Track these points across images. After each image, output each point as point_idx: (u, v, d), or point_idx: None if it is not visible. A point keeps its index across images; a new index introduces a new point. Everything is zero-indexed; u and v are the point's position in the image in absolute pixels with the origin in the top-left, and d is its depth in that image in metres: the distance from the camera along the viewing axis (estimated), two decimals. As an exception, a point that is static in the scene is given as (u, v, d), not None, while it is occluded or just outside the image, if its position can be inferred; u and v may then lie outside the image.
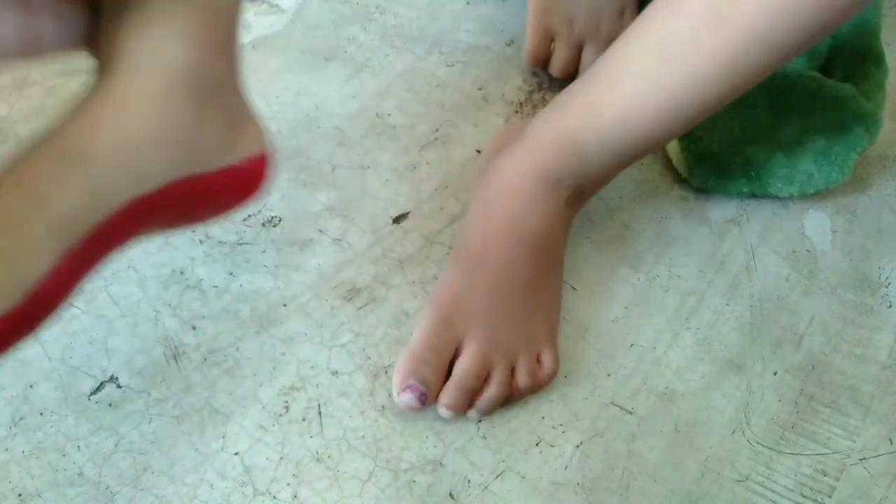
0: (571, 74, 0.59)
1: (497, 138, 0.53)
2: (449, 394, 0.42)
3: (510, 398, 0.44)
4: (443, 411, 0.43)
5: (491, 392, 0.43)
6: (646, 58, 0.44)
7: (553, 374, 0.45)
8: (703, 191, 0.55)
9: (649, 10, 0.44)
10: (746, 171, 0.53)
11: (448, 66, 0.61)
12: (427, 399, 0.42)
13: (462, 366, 0.43)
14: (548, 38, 0.59)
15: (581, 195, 0.48)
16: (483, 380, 0.43)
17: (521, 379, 0.44)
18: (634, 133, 0.45)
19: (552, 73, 0.59)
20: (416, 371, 0.42)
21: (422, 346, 0.43)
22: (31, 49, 0.30)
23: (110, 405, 0.43)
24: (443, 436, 0.43)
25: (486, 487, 0.42)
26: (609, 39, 0.57)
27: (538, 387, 0.45)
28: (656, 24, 0.44)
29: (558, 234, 0.47)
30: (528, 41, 0.59)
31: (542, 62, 0.59)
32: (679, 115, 0.44)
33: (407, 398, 0.42)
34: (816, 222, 0.54)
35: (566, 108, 0.46)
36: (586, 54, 0.58)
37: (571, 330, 0.48)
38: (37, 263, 0.28)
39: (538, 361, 0.45)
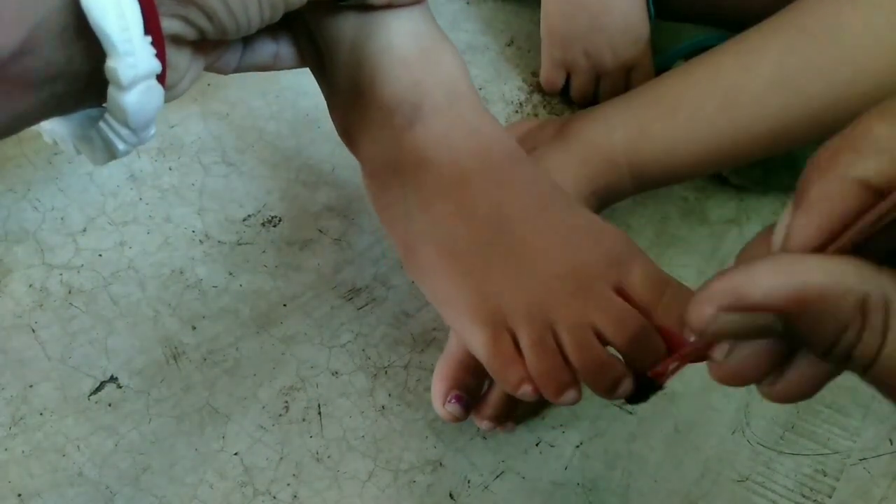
0: (590, 101, 0.59)
1: (519, 127, 0.53)
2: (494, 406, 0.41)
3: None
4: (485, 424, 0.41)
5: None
6: (706, 100, 0.45)
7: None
8: (703, 190, 0.55)
9: (719, 54, 0.46)
10: (790, 163, 0.53)
11: (448, 66, 0.61)
12: (471, 408, 0.41)
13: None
14: (563, 70, 0.59)
15: (604, 205, 0.48)
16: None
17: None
18: (674, 166, 0.46)
19: (572, 100, 0.60)
20: (461, 380, 0.40)
21: (461, 351, 0.40)
22: (276, 65, 0.38)
23: (110, 405, 0.43)
24: (443, 436, 0.43)
25: (486, 487, 0.42)
26: (625, 69, 0.57)
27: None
28: (725, 73, 0.45)
29: None
30: (544, 72, 0.59)
31: (560, 89, 0.60)
32: (721, 159, 0.47)
33: (453, 409, 0.40)
34: (816, 222, 0.54)
35: (613, 125, 0.47)
36: (604, 84, 0.59)
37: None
38: None
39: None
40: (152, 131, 0.30)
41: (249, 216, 0.51)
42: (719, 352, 0.23)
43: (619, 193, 0.48)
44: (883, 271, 0.19)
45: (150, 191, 0.52)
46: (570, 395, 0.33)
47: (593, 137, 0.47)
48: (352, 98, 0.38)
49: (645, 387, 0.32)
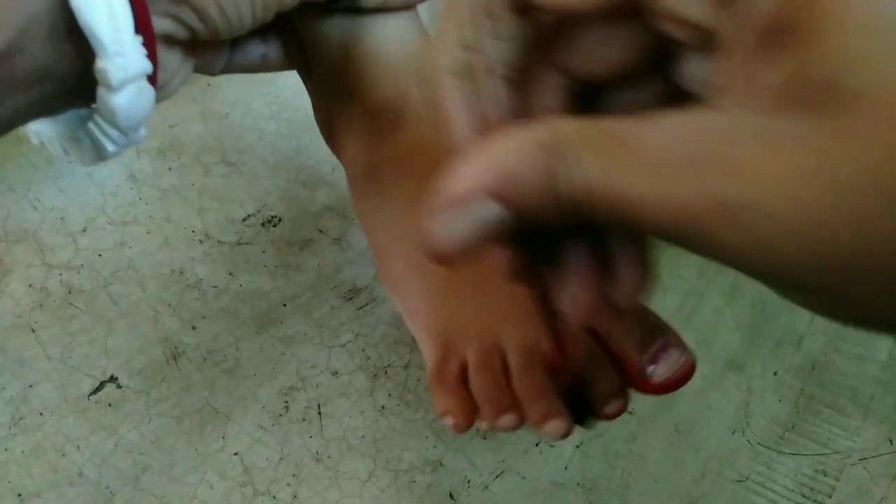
0: None
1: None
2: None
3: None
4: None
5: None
6: None
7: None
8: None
9: None
10: None
11: (448, 66, 0.61)
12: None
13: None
14: None
15: None
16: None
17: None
18: None
19: None
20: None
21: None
22: (264, 67, 0.38)
23: (110, 405, 0.43)
24: (443, 436, 0.43)
25: (486, 487, 0.42)
26: None
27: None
28: None
29: None
30: None
31: None
32: None
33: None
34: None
35: None
36: None
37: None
38: None
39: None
40: (142, 132, 0.30)
41: (249, 216, 0.51)
42: (564, 301, 0.22)
43: None
44: (550, 120, 0.18)
45: (149, 191, 0.52)
46: (509, 419, 0.31)
47: None
48: (336, 102, 0.38)
49: (572, 397, 0.31)
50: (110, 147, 0.30)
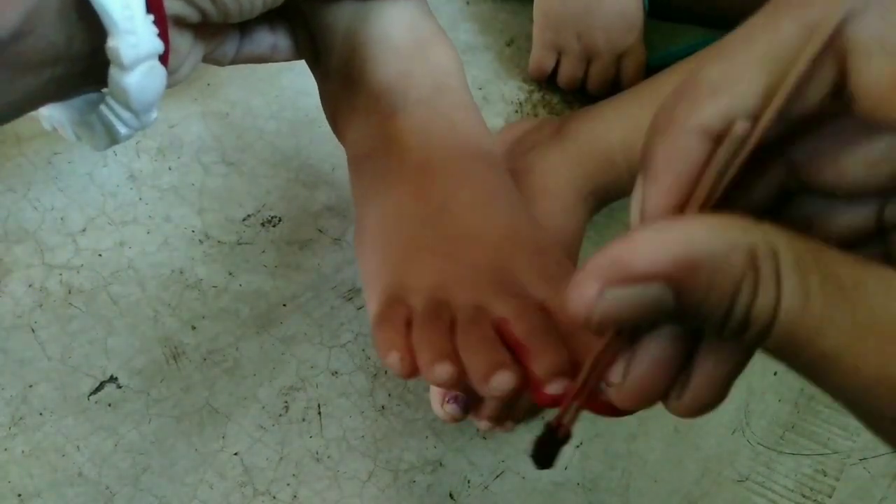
0: (578, 87, 0.59)
1: (517, 127, 0.53)
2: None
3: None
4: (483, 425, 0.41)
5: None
6: None
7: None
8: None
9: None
10: None
11: (448, 65, 0.61)
12: (469, 408, 0.41)
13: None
14: (554, 53, 0.59)
15: (602, 204, 0.48)
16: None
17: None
18: None
19: (559, 85, 0.60)
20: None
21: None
22: (273, 57, 0.37)
23: (110, 405, 0.43)
24: (443, 436, 0.43)
25: (486, 487, 0.42)
26: (617, 55, 0.57)
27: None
28: None
29: (580, 240, 0.48)
30: (535, 55, 0.59)
31: (547, 75, 0.60)
32: None
33: (451, 409, 0.40)
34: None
35: (611, 124, 0.47)
36: (593, 68, 0.58)
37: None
38: None
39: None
40: (154, 114, 0.30)
41: (249, 216, 0.51)
42: (616, 373, 0.20)
43: (617, 192, 0.48)
44: (762, 223, 0.17)
45: (149, 191, 0.52)
46: (444, 368, 0.28)
47: (591, 137, 0.47)
48: (342, 85, 0.38)
49: (548, 441, 0.25)
50: (122, 129, 0.30)
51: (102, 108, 0.29)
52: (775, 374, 0.47)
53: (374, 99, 0.37)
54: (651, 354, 0.20)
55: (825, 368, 0.15)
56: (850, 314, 0.15)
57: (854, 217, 0.20)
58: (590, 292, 0.17)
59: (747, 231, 0.16)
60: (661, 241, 0.16)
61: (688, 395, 0.20)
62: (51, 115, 0.31)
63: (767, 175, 0.20)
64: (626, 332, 0.20)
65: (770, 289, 0.16)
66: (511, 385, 0.26)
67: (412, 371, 0.28)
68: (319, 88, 0.39)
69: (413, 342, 0.29)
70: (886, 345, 0.15)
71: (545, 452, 0.25)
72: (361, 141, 0.38)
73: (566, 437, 0.24)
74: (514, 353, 0.28)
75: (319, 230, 0.51)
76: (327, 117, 0.40)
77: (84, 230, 0.50)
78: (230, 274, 0.48)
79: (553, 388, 0.26)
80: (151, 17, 0.27)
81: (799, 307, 0.15)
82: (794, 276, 0.16)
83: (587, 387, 0.22)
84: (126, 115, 0.29)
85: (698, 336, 0.20)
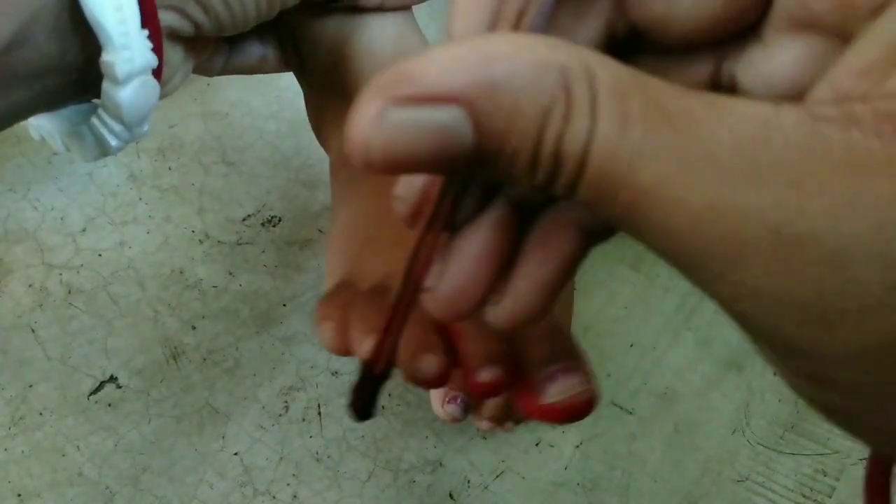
0: None
1: None
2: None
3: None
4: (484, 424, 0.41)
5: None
6: None
7: None
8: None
9: None
10: None
11: (448, 65, 0.61)
12: (469, 408, 0.41)
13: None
14: None
15: None
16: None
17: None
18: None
19: None
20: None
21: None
22: (262, 68, 0.38)
23: (110, 405, 0.43)
24: (443, 436, 0.43)
25: (486, 487, 0.42)
26: None
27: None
28: None
29: None
30: None
31: None
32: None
33: (451, 410, 0.40)
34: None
35: None
36: None
37: (572, 330, 0.48)
38: None
39: None
40: (146, 127, 0.30)
41: (249, 216, 0.51)
42: (433, 277, 0.17)
43: None
44: (578, 46, 0.14)
45: (150, 191, 0.52)
46: (370, 343, 0.26)
47: None
48: (326, 96, 0.38)
49: (365, 382, 0.24)
50: (114, 142, 0.30)
51: (94, 120, 0.29)
52: (775, 373, 0.47)
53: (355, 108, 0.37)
54: (469, 249, 0.17)
55: (646, 207, 0.13)
56: (673, 140, 0.13)
57: (689, 76, 0.18)
58: (371, 111, 0.14)
59: (558, 49, 0.13)
60: (457, 56, 0.13)
61: (507, 300, 0.17)
62: (40, 124, 0.31)
63: (594, 8, 0.18)
64: (443, 221, 0.17)
65: (583, 115, 0.13)
66: (435, 369, 0.25)
67: (342, 343, 0.27)
68: (305, 98, 0.40)
69: (349, 318, 0.28)
70: (713, 171, 0.13)
71: (363, 396, 0.23)
72: (340, 149, 0.38)
73: (384, 375, 0.22)
74: (451, 340, 0.27)
75: (319, 230, 0.51)
76: (311, 124, 0.40)
77: (84, 230, 0.50)
78: (230, 274, 0.48)
79: (485, 376, 0.25)
80: (146, 32, 0.27)
81: (615, 134, 0.13)
82: (611, 99, 0.13)
83: (405, 299, 0.18)
84: (118, 127, 0.29)
85: (522, 227, 0.17)
